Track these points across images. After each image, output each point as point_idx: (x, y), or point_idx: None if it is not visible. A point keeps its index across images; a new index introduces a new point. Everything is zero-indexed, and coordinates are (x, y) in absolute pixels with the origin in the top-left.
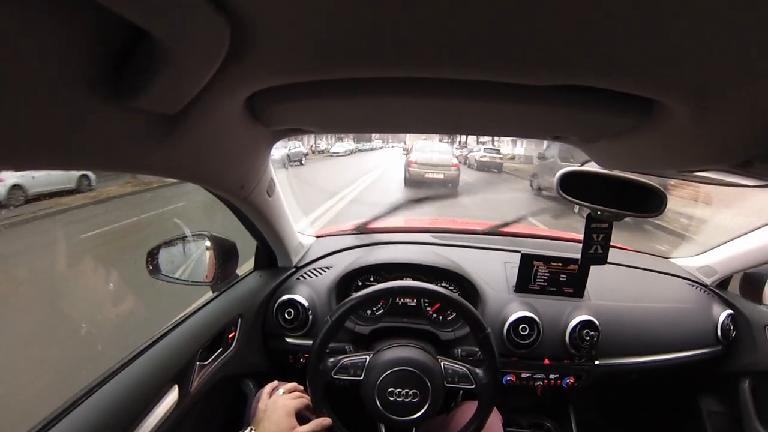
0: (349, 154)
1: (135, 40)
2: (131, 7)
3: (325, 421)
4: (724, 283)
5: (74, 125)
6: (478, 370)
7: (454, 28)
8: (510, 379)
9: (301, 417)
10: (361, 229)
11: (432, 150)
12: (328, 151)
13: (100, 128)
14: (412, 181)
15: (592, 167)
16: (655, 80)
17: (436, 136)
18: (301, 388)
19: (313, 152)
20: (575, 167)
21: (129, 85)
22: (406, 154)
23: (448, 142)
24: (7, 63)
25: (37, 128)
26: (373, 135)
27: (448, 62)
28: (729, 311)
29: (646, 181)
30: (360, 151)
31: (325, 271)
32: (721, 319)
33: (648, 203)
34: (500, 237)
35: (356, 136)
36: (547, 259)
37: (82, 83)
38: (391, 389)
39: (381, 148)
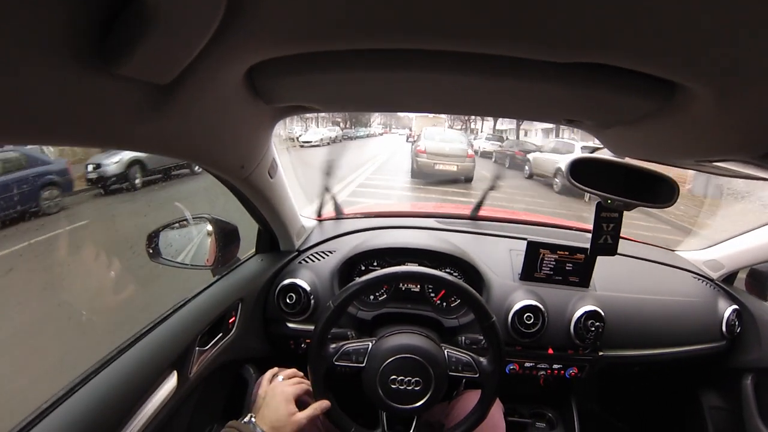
0: (328, 144)
1: (122, 1)
2: None
3: (324, 404)
4: (730, 277)
5: (58, 95)
6: (482, 359)
7: None
8: (513, 368)
9: (301, 403)
10: (365, 213)
11: (444, 138)
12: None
13: (86, 98)
14: (420, 173)
15: (604, 155)
16: (680, 60)
17: (446, 122)
18: (301, 374)
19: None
20: (586, 155)
21: (115, 50)
22: (413, 142)
23: (461, 129)
24: None
25: (17, 99)
26: (372, 119)
27: (457, 33)
28: (734, 306)
29: (658, 170)
30: (350, 138)
31: (327, 255)
32: (726, 314)
33: (659, 193)
34: (506, 224)
35: (345, 120)
36: (553, 248)
37: (64, 48)
38: (394, 377)
39: (381, 134)
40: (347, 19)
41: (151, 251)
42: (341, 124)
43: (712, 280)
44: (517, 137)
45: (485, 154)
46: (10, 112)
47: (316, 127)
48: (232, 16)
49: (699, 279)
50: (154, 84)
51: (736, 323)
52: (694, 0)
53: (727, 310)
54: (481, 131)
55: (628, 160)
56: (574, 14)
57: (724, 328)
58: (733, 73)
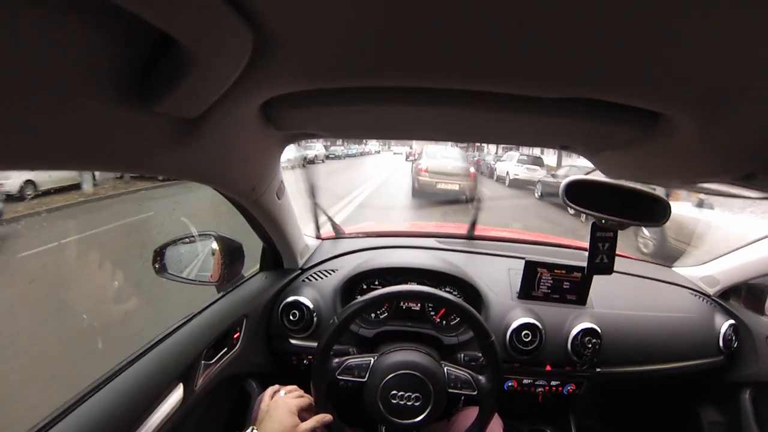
0: (302, 166)
1: (162, 47)
2: (161, 15)
3: (326, 417)
4: (726, 293)
5: (101, 128)
6: (480, 377)
7: (468, 43)
8: (511, 385)
9: (302, 417)
10: (367, 233)
11: (445, 156)
12: None
13: (124, 131)
14: (421, 192)
15: (598, 176)
16: (661, 95)
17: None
18: (301, 391)
19: None
20: (581, 176)
21: (154, 90)
22: (413, 161)
23: (463, 147)
24: (38, 66)
25: (65, 130)
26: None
27: (461, 74)
28: (731, 321)
29: (651, 190)
30: (336, 157)
31: (330, 274)
32: (723, 330)
33: (652, 213)
34: (504, 243)
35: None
36: (551, 267)
37: (109, 87)
38: (394, 392)
39: (378, 152)
40: (360, 61)
41: (157, 266)
42: (325, 141)
43: (708, 295)
44: (559, 163)
45: (516, 184)
46: (55, 139)
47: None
48: (256, 58)
49: (695, 295)
50: (182, 118)
51: (733, 338)
52: (669, 43)
53: (724, 325)
54: (498, 151)
55: (621, 181)
56: (563, 58)
57: (721, 343)
58: (710, 102)
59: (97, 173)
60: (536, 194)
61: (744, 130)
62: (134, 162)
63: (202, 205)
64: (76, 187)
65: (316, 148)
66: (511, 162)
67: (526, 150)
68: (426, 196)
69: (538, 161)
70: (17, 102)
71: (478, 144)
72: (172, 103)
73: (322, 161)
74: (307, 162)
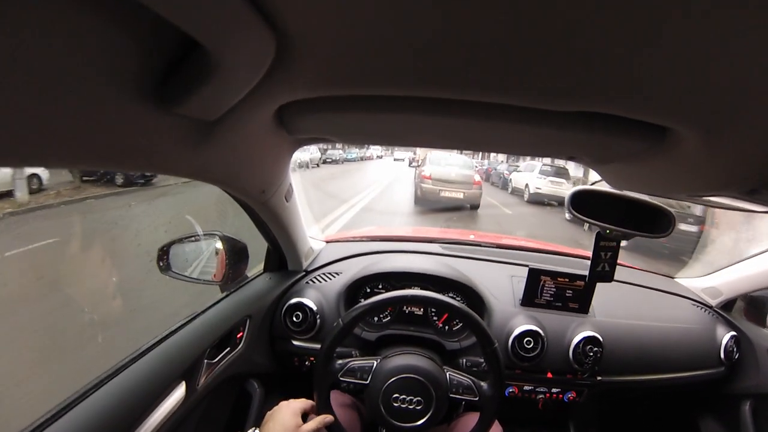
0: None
1: (186, 50)
2: (186, 18)
3: (327, 418)
4: (728, 304)
5: (120, 127)
6: (482, 383)
7: (480, 57)
8: (512, 391)
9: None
10: (371, 237)
11: (449, 163)
12: None
13: (145, 132)
14: (424, 200)
15: (603, 186)
16: (668, 109)
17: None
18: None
19: None
20: (587, 186)
21: (176, 93)
22: (417, 167)
23: (470, 154)
24: (60, 65)
25: (84, 129)
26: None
27: (472, 86)
28: (733, 333)
29: (656, 202)
30: (333, 161)
31: (334, 277)
32: (724, 341)
33: (657, 224)
34: (507, 250)
35: None
36: (554, 275)
37: (131, 88)
38: (396, 395)
39: (381, 157)
40: (377, 70)
41: (161, 264)
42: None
43: (710, 307)
44: (585, 174)
45: (537, 199)
46: (78, 139)
47: None
48: (277, 64)
49: (697, 306)
50: (201, 120)
51: (735, 350)
52: (676, 59)
53: (726, 337)
54: (508, 159)
55: (626, 192)
56: (573, 73)
57: (722, 355)
58: (716, 119)
59: (44, 177)
60: (567, 214)
61: (749, 146)
62: (151, 162)
63: (156, 221)
64: (9, 194)
65: (310, 150)
66: (530, 173)
67: (548, 159)
68: (429, 204)
69: (563, 172)
70: (38, 99)
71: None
72: (193, 106)
73: (316, 165)
74: (297, 167)
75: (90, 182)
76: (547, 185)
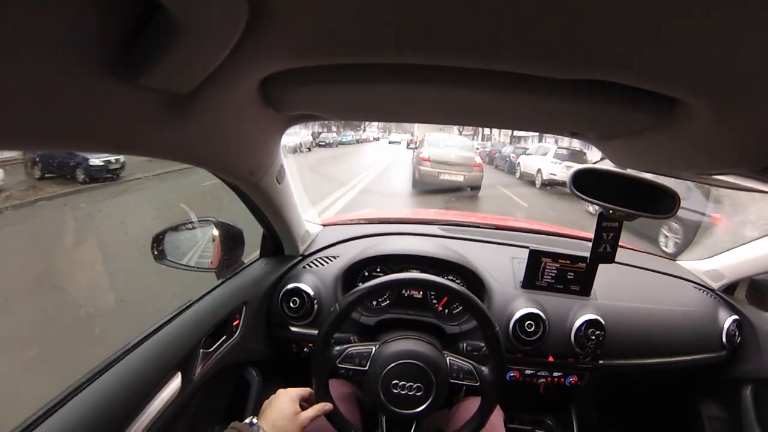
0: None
1: (148, 14)
2: None
3: (326, 406)
4: (731, 288)
5: (82, 103)
6: (483, 368)
7: (476, 16)
8: (513, 375)
9: (302, 406)
10: (369, 219)
11: (449, 144)
12: None
13: (109, 107)
14: (423, 183)
15: (606, 165)
16: (680, 79)
17: (454, 128)
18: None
19: None
20: (590, 165)
21: (140, 61)
22: (415, 149)
23: (470, 135)
24: (12, 37)
25: (43, 106)
26: (369, 122)
27: (468, 50)
28: (735, 317)
29: (659, 181)
30: (327, 145)
31: (331, 260)
32: (726, 325)
33: (660, 204)
34: (508, 232)
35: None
36: (555, 256)
37: (91, 58)
38: (396, 381)
39: (378, 139)
40: (362, 35)
41: (156, 253)
42: (316, 126)
43: (712, 290)
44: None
45: (552, 185)
46: (36, 118)
47: None
48: (252, 29)
49: (699, 289)
50: (174, 93)
51: (737, 333)
52: (691, 22)
53: (728, 321)
54: (500, 137)
55: (630, 171)
56: (578, 35)
57: (724, 339)
58: (730, 90)
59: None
60: (590, 207)
61: (764, 119)
62: (123, 142)
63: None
64: None
65: (301, 134)
66: (543, 157)
67: (563, 141)
68: (427, 187)
69: (578, 156)
70: None
71: (487, 132)
72: (161, 77)
73: (308, 149)
74: (289, 151)
75: (50, 179)
76: (562, 171)
